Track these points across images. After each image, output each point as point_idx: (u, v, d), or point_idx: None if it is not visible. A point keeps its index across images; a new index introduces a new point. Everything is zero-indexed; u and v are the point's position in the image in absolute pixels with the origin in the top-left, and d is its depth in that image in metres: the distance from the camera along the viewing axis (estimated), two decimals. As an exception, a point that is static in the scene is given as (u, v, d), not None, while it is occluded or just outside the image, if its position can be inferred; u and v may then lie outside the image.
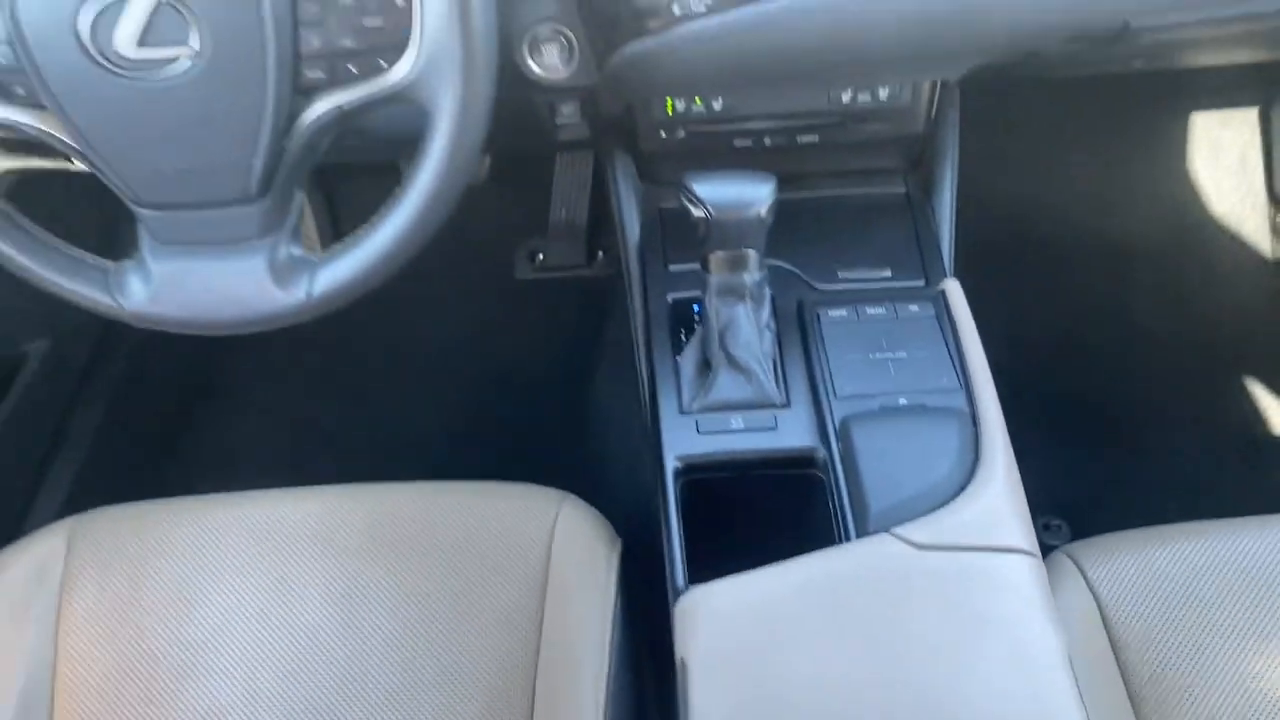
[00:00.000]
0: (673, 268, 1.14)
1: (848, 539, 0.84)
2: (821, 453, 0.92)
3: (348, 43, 0.80)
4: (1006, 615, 0.73)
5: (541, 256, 1.90)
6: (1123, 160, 1.80)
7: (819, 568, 0.77)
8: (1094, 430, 1.64)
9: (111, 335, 1.59)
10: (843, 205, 1.18)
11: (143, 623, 1.01)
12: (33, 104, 0.82)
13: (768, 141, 1.19)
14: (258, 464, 1.66)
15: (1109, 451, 1.62)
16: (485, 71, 0.80)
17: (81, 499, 1.44)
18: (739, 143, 1.19)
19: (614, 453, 1.51)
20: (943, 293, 1.04)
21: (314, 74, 0.80)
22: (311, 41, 0.79)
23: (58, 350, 1.44)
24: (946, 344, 0.99)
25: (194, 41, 0.78)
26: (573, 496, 1.07)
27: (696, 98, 1.16)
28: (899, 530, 0.78)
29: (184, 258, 0.87)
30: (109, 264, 0.88)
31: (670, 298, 1.10)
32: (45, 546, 1.05)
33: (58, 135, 0.83)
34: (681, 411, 0.98)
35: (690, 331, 1.07)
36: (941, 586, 0.74)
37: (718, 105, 1.16)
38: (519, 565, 1.01)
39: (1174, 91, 1.76)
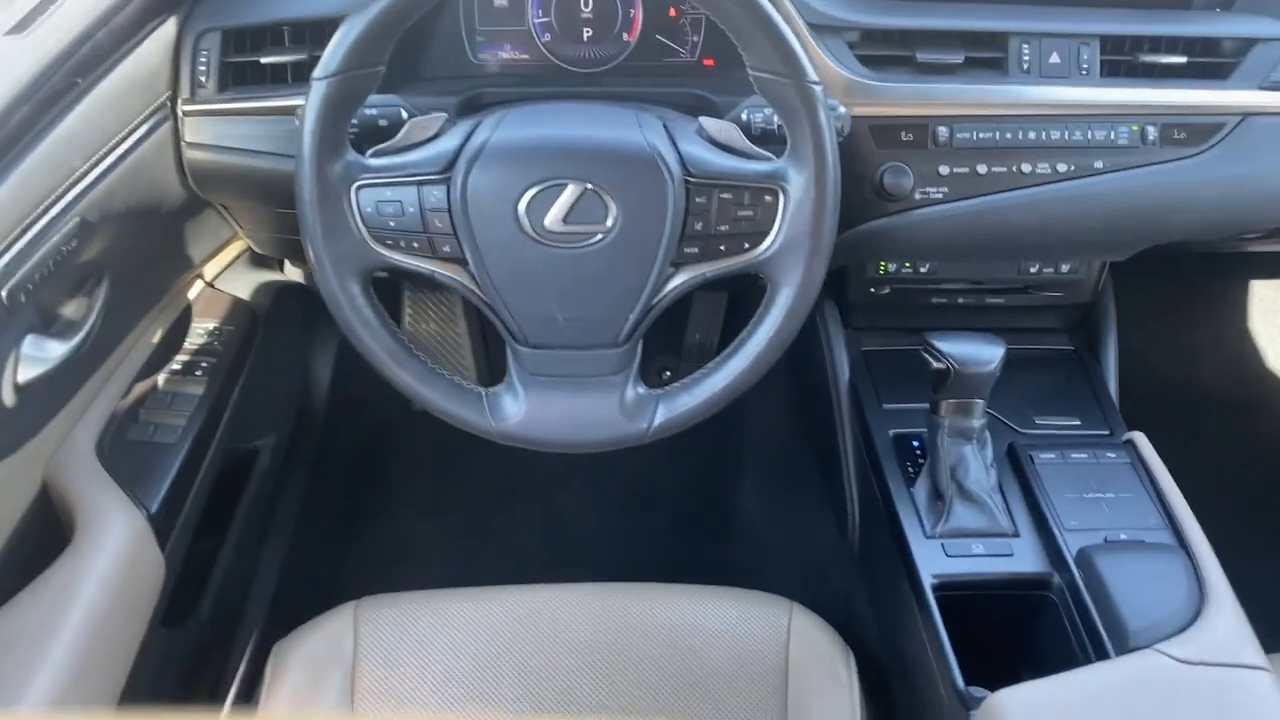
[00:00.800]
0: (886, 406, 1.32)
1: (1100, 653, 1.01)
2: (1056, 578, 1.10)
3: (723, 228, 0.98)
4: (1263, 720, 0.90)
5: (669, 373, 2.07)
6: (1193, 323, 2.03)
7: (1106, 676, 0.94)
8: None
9: (302, 434, 1.72)
10: (1022, 359, 1.38)
11: (429, 699, 1.13)
12: (454, 259, 0.99)
13: (960, 300, 1.39)
14: (424, 559, 1.79)
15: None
16: (826, 256, 0.99)
17: (286, 586, 1.57)
18: (935, 300, 1.39)
19: (791, 560, 1.66)
20: (1131, 443, 1.23)
21: (690, 250, 0.99)
22: (695, 225, 0.97)
23: (280, 445, 1.57)
24: (1144, 487, 1.17)
25: (608, 221, 0.96)
26: (800, 605, 1.21)
27: (908, 262, 1.36)
28: (1161, 647, 0.95)
29: (550, 389, 1.03)
30: (481, 389, 1.04)
31: (891, 433, 1.28)
32: (336, 626, 1.17)
33: (467, 285, 0.99)
34: (926, 536, 1.15)
35: (911, 463, 1.25)
36: (1209, 694, 0.91)
37: (924, 269, 1.36)
38: (758, 667, 1.13)
39: (1235, 266, 2.01)
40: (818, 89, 0.93)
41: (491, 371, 1.98)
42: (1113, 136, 1.18)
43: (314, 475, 1.73)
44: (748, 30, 0.92)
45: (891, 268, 1.36)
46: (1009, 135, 1.18)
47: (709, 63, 1.25)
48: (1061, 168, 1.19)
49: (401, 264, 0.98)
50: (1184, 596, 1.01)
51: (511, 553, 1.80)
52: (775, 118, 1.10)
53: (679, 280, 1.00)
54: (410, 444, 1.96)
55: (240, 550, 1.46)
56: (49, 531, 1.07)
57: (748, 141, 1.02)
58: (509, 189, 0.95)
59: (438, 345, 2.04)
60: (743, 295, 1.85)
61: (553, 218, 0.95)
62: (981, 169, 1.19)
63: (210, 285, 1.42)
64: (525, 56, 1.25)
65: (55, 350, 0.99)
